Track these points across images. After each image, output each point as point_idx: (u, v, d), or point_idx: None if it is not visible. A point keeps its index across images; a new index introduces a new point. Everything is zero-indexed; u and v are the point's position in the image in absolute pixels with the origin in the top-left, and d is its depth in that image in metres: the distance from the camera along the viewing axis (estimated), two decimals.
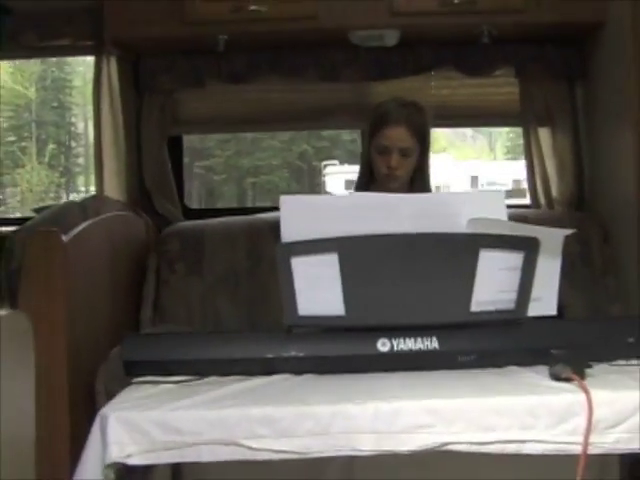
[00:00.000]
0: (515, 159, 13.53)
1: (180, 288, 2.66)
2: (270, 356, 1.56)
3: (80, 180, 13.85)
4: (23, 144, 13.21)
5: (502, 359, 1.57)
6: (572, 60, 2.88)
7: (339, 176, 12.69)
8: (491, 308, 1.56)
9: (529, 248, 1.57)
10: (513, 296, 1.58)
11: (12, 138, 12.84)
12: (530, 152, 2.97)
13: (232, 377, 1.54)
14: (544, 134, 2.94)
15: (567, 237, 1.58)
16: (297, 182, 14.23)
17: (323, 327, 1.57)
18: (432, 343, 1.55)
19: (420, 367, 1.53)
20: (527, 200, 3.06)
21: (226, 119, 3.12)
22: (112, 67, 2.86)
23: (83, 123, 13.16)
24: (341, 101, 3.05)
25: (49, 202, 12.42)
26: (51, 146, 13.47)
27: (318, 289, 1.52)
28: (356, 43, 2.79)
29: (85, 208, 2.30)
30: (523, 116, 2.97)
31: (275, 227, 2.68)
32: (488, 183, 12.85)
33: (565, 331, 1.63)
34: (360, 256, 1.53)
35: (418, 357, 1.54)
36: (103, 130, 2.88)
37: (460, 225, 1.55)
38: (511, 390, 1.41)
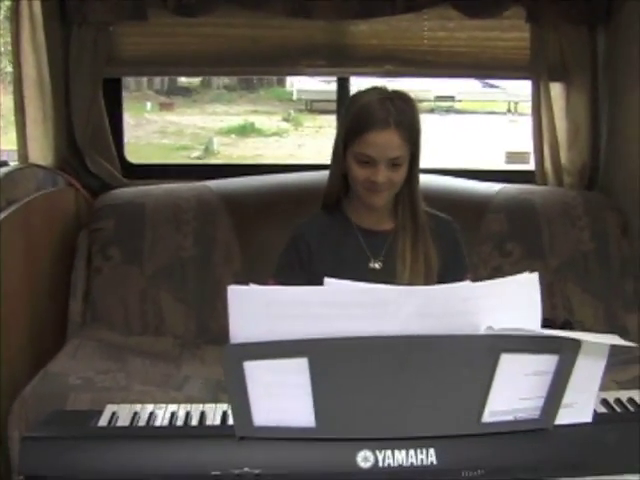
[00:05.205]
0: None
1: (115, 279, 2.32)
2: (216, 473, 1.26)
3: None
4: None
5: (518, 473, 1.28)
6: (594, 2, 2.56)
7: None
8: (509, 418, 1.28)
9: (567, 351, 1.26)
10: (539, 403, 1.29)
11: None
12: (539, 110, 2.67)
13: None
14: (557, 90, 2.68)
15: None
16: None
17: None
18: (428, 457, 1.27)
19: None
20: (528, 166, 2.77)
21: (173, 59, 2.71)
22: None
23: None
24: (313, 42, 2.69)
25: None
26: None
27: (279, 398, 1.23)
28: None
29: None
30: (533, 67, 2.70)
31: (229, 201, 2.33)
32: None
33: (600, 438, 1.33)
34: (337, 362, 1.22)
35: (410, 475, 1.25)
36: (24, 72, 2.43)
37: (477, 325, 1.22)
38: None
